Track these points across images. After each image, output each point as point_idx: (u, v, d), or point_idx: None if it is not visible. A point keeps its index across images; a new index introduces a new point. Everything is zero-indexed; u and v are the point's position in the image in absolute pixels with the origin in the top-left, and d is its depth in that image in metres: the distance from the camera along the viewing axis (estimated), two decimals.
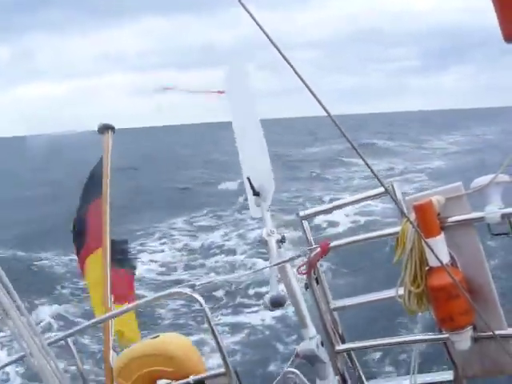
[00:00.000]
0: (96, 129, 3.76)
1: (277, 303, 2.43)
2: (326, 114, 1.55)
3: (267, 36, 1.46)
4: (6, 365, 3.30)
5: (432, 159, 32.17)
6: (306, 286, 2.79)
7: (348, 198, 2.78)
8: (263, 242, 2.80)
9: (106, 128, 3.74)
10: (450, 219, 2.26)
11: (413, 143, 42.26)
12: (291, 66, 1.49)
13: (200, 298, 2.73)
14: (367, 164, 1.64)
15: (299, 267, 2.68)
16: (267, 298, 2.45)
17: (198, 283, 2.73)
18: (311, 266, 2.67)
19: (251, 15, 1.46)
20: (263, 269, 2.89)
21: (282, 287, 2.72)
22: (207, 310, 2.72)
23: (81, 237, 3.90)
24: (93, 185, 3.82)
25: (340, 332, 2.83)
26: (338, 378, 2.98)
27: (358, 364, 2.87)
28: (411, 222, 2.13)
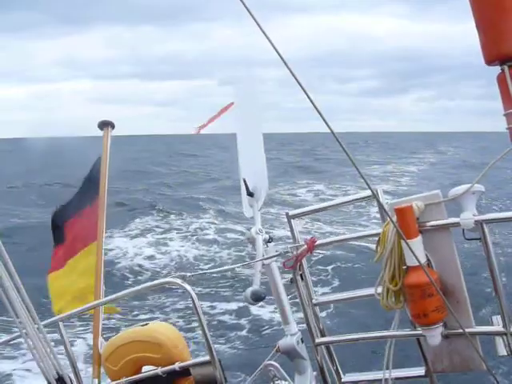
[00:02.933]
0: (97, 126, 3.85)
1: (257, 297, 2.56)
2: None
3: (276, 50, 1.54)
4: (2, 343, 3.41)
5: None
6: (291, 281, 2.93)
7: (336, 200, 2.92)
8: (251, 240, 2.94)
9: (105, 124, 3.83)
10: (427, 223, 2.42)
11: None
12: (298, 82, 1.59)
13: (189, 288, 2.86)
14: (358, 170, 1.80)
15: (285, 261, 2.82)
16: (248, 291, 2.59)
17: (188, 274, 2.86)
18: (297, 261, 2.82)
19: (261, 28, 1.53)
20: (250, 263, 3.03)
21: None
22: (196, 300, 2.85)
23: (62, 238, 3.94)
24: (90, 188, 3.88)
25: (321, 326, 2.98)
26: (315, 373, 3.13)
27: (335, 357, 3.02)
28: (393, 223, 2.28)
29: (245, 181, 3.00)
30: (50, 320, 3.16)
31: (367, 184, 1.93)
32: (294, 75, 1.55)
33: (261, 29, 1.56)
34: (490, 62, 2.08)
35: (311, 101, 1.56)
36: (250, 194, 3.00)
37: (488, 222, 2.31)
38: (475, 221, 2.30)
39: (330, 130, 1.64)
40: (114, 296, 3.35)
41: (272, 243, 3.01)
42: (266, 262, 2.90)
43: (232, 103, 3.19)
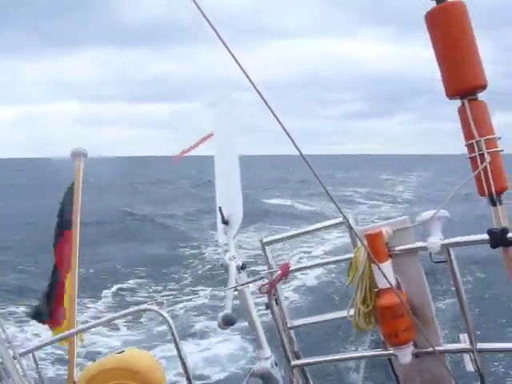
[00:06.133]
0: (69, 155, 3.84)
1: (228, 321, 2.62)
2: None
3: (247, 77, 1.62)
4: None
5: None
6: (267, 306, 3.00)
7: (308, 227, 3.02)
8: (225, 266, 3.00)
9: (78, 154, 3.82)
10: (396, 248, 2.54)
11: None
12: (268, 106, 1.66)
13: (166, 315, 2.90)
14: (330, 196, 1.89)
15: (261, 286, 2.89)
16: (220, 316, 2.65)
17: (165, 301, 2.91)
18: (272, 286, 2.89)
19: (233, 56, 1.60)
20: (225, 289, 3.08)
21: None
22: (173, 326, 2.89)
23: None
24: (65, 216, 3.86)
25: (296, 349, 3.04)
26: None
27: (310, 379, 3.08)
28: (365, 247, 2.39)
29: (220, 209, 3.07)
30: (25, 350, 3.14)
31: (340, 210, 2.02)
32: (263, 98, 1.62)
33: (231, 53, 1.62)
34: (451, 96, 2.23)
35: (281, 124, 1.64)
36: (225, 222, 3.07)
37: (453, 245, 2.43)
38: (441, 244, 2.43)
39: (301, 154, 1.72)
40: (89, 324, 3.35)
41: (245, 270, 3.06)
42: (238, 288, 2.95)
43: (211, 134, 3.26)
